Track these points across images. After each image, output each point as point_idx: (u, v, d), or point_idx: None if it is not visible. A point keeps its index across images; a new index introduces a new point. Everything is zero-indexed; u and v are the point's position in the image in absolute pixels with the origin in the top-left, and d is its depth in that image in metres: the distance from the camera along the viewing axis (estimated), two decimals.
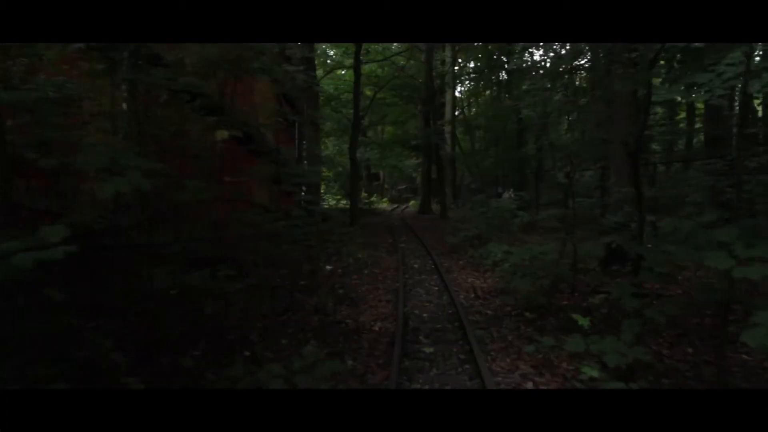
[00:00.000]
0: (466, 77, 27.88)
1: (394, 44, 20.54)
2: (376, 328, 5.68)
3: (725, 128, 10.33)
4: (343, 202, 21.53)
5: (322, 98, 19.23)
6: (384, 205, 32.09)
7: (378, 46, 20.12)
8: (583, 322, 3.91)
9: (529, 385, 4.07)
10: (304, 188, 13.14)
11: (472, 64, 26.53)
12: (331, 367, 3.45)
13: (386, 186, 40.94)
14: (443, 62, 23.33)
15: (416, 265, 9.73)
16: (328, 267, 8.98)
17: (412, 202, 30.96)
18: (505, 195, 17.09)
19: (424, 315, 6.26)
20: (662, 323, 3.68)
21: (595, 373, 3.40)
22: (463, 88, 29.01)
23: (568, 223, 6.19)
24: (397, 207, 30.24)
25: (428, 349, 4.96)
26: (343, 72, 23.34)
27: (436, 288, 7.77)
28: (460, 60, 24.59)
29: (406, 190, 38.36)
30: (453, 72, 22.99)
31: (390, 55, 21.28)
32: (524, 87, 9.31)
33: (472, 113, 28.86)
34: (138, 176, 2.04)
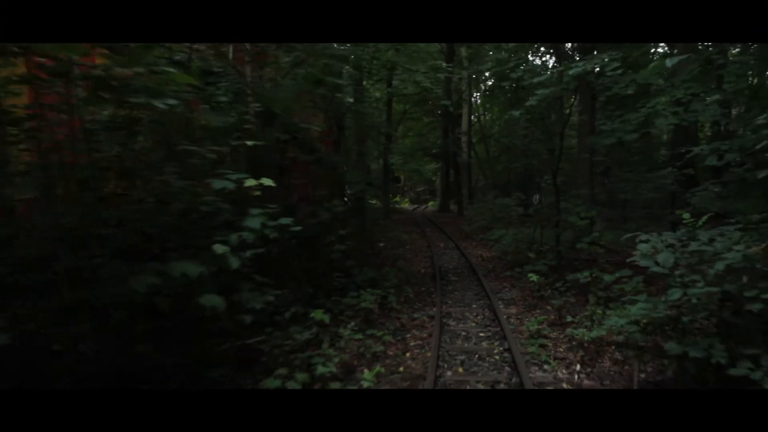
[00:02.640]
0: (482, 88, 32.34)
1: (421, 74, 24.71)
2: (422, 271, 10.12)
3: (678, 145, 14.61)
4: (372, 201, 26.02)
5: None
6: (406, 205, 36.53)
7: (405, 74, 24.42)
8: (532, 255, 8.31)
9: (506, 289, 8.44)
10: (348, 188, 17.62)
11: (487, 73, 30.95)
12: (413, 270, 7.88)
13: (405, 188, 45.36)
14: (460, 78, 27.74)
15: (441, 244, 14.17)
16: (381, 244, 13.42)
17: (431, 203, 35.35)
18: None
19: (450, 267, 10.68)
20: (565, 252, 8.05)
21: (533, 275, 7.75)
22: (478, 94, 33.48)
23: (540, 213, 10.56)
24: (418, 207, 34.67)
25: (454, 278, 9.39)
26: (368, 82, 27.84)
27: (457, 255, 12.19)
28: (474, 69, 28.98)
29: (424, 192, 42.76)
30: (469, 88, 27.37)
31: (419, 90, 25.56)
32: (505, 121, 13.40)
33: (487, 118, 33.28)
34: (363, 184, 6.34)
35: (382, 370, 4.35)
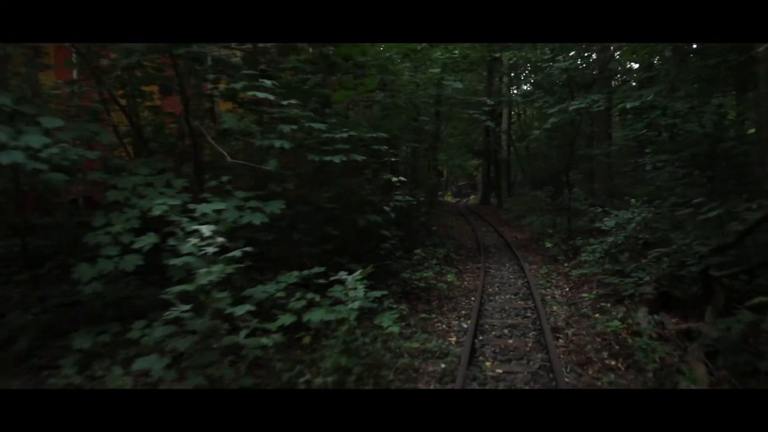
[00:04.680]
0: (523, 86, 35.55)
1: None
2: (469, 245, 13.88)
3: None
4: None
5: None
6: (448, 198, 40.19)
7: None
8: (550, 231, 11.94)
9: (531, 255, 12.08)
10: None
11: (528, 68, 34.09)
12: (463, 244, 11.67)
13: (448, 182, 48.87)
14: (501, 78, 31.09)
15: (483, 228, 17.88)
16: (434, 228, 17.22)
17: (472, 197, 38.88)
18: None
19: (490, 243, 14.40)
20: (575, 229, 11.65)
21: (549, 243, 11.35)
22: (518, 91, 36.71)
23: (561, 203, 14.10)
24: (460, 200, 38.29)
25: (494, 250, 13.14)
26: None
27: (496, 236, 15.89)
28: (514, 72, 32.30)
29: (465, 186, 46.19)
30: (509, 93, 30.72)
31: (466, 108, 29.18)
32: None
33: (527, 114, 36.52)
34: (431, 182, 10.05)
35: (454, 279, 8.27)
